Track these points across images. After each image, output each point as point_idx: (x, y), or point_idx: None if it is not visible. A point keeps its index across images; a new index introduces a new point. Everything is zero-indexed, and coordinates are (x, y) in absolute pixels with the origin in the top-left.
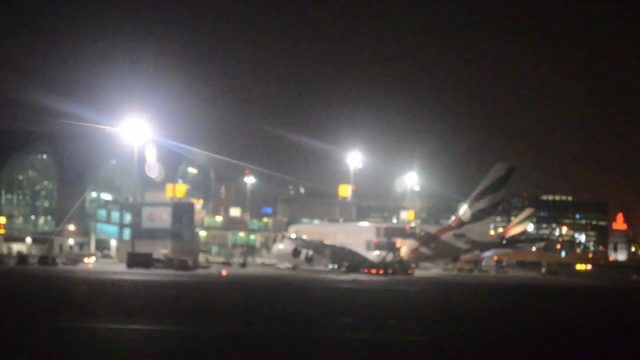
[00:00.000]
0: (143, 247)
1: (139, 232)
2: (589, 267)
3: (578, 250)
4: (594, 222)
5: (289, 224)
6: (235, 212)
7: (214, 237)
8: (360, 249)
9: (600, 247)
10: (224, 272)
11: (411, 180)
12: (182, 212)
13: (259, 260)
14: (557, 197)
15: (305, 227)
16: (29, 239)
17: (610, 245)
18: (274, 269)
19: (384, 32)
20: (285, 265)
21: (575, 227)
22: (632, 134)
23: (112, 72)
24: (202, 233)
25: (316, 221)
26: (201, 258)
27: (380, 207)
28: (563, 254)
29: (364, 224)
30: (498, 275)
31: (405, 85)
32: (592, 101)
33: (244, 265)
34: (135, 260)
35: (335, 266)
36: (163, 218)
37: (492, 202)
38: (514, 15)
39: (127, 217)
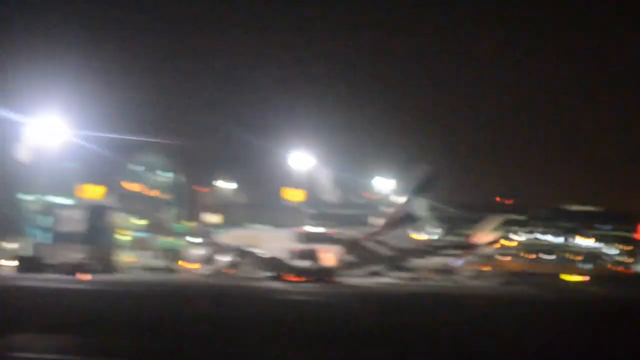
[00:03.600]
0: (60, 251)
1: (57, 236)
2: (585, 278)
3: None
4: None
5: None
6: (214, 218)
7: (138, 242)
8: (284, 255)
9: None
10: (81, 277)
11: (385, 185)
12: (97, 214)
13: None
14: (581, 208)
15: (238, 232)
16: None
17: None
18: (193, 275)
19: None
20: (205, 271)
21: (599, 237)
22: None
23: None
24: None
25: (260, 226)
26: (132, 260)
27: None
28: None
29: (287, 229)
30: (452, 284)
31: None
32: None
33: (170, 270)
34: (26, 265)
35: (268, 273)
36: (78, 221)
37: (417, 206)
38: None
39: (48, 220)
